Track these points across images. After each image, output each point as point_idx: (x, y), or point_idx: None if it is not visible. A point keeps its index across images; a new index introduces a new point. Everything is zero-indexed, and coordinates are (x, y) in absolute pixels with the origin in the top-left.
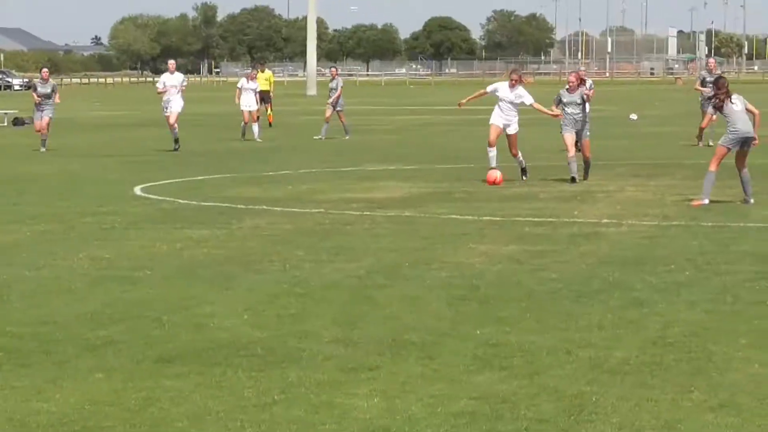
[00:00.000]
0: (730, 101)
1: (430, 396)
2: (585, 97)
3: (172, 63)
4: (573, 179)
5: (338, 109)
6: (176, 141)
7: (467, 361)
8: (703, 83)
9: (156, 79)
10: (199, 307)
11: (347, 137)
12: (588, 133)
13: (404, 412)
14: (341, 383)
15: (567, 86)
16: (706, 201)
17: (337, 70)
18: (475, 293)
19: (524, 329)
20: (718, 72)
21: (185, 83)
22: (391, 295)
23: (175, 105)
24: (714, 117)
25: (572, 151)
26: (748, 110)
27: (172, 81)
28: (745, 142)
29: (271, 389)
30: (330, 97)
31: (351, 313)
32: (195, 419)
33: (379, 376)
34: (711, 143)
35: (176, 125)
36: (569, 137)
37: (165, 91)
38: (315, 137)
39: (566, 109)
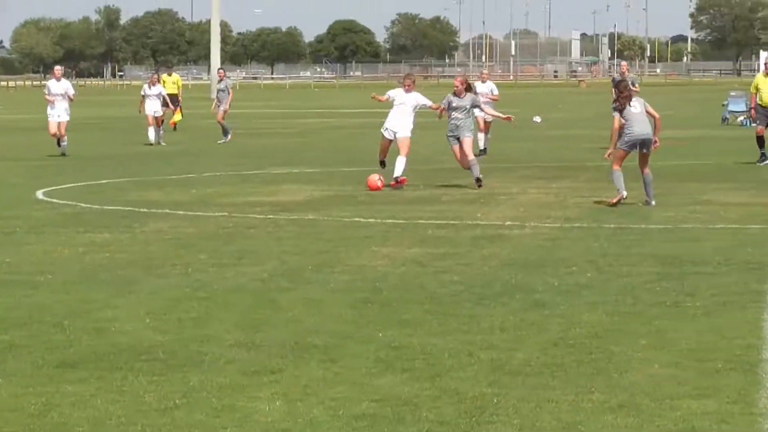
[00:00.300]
0: (630, 104)
1: (331, 399)
2: (478, 104)
3: (58, 69)
4: (478, 180)
5: (222, 108)
6: (63, 153)
7: (369, 364)
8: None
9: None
10: (101, 312)
11: (228, 138)
12: (469, 133)
13: (306, 415)
14: (243, 387)
15: (453, 91)
16: (625, 193)
17: (224, 72)
18: (378, 296)
19: (426, 332)
20: (632, 75)
21: (73, 92)
22: (294, 298)
23: (63, 114)
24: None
25: (467, 159)
26: (649, 113)
27: (56, 89)
28: (643, 144)
29: (173, 393)
30: (218, 99)
31: (254, 317)
32: (95, 424)
33: (281, 379)
34: None
35: (65, 136)
36: (457, 148)
37: (51, 100)
38: (219, 141)
39: (453, 113)
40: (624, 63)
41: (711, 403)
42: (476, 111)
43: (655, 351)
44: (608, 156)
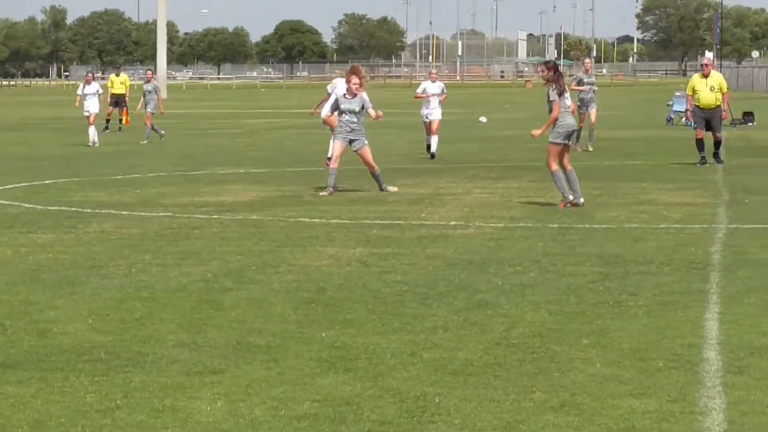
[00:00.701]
0: (565, 95)
1: (273, 399)
2: (368, 106)
3: None
4: (330, 191)
5: (149, 110)
6: None
7: (312, 364)
8: (580, 84)
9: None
10: (43, 312)
11: (145, 142)
12: (366, 141)
13: (247, 415)
14: (185, 387)
15: (345, 92)
16: (571, 197)
17: (152, 74)
18: (322, 296)
19: (369, 331)
20: (594, 74)
21: None
22: (238, 298)
23: None
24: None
25: (337, 162)
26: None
27: None
28: (570, 136)
29: (114, 394)
30: (145, 102)
31: (196, 317)
32: (35, 425)
33: (223, 379)
34: (590, 148)
35: None
36: (339, 146)
37: None
38: (161, 139)
39: (343, 115)
40: (587, 60)
41: (652, 402)
42: (430, 115)
43: (597, 350)
44: (538, 134)
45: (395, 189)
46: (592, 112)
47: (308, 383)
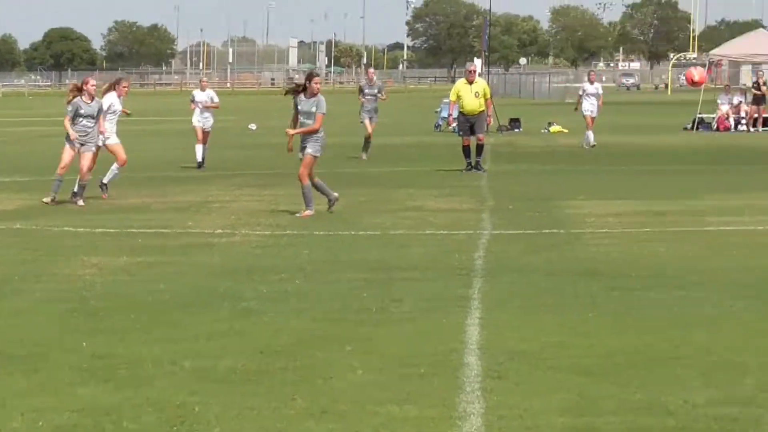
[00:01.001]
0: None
1: (32, 410)
2: (102, 111)
3: None
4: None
5: None
6: None
7: (72, 374)
8: (362, 94)
9: None
10: None
11: None
12: (94, 148)
13: (4, 426)
14: None
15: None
16: (310, 211)
17: None
18: (85, 305)
19: (132, 340)
20: (378, 83)
21: None
22: None
23: None
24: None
25: (67, 169)
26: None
27: None
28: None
29: None
30: None
31: None
32: None
33: None
34: (364, 157)
35: None
36: (71, 152)
37: None
38: None
39: (80, 120)
40: (371, 70)
41: (412, 408)
42: (199, 123)
43: (360, 357)
44: (292, 133)
45: (82, 203)
46: (373, 124)
47: (68, 393)
